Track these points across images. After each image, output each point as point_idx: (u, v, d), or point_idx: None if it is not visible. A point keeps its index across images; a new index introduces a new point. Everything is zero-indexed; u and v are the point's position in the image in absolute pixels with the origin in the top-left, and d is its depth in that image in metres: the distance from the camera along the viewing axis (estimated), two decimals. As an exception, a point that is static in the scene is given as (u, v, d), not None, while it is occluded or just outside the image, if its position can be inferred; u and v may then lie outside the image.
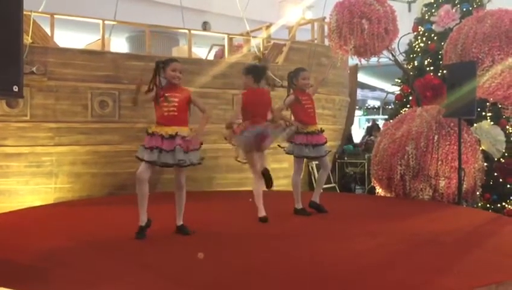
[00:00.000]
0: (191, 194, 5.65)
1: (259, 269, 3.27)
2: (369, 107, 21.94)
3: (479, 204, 6.74)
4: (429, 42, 7.85)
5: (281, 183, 7.08)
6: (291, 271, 3.21)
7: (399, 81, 8.39)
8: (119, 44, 12.04)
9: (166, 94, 4.09)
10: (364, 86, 18.08)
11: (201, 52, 9.94)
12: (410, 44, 8.27)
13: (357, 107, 14.14)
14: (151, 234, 4.32)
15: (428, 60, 7.76)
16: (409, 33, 8.23)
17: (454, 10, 7.65)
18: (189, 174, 6.95)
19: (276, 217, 5.24)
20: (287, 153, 5.22)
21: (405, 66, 8.04)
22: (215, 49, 9.96)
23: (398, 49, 7.64)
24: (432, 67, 7.67)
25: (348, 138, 10.81)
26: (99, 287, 2.92)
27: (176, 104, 4.12)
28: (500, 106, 6.68)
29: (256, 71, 4.93)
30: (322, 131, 5.25)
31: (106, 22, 6.92)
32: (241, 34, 8.80)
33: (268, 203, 5.90)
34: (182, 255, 3.64)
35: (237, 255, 3.66)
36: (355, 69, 10.05)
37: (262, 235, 4.33)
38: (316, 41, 8.74)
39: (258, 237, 4.27)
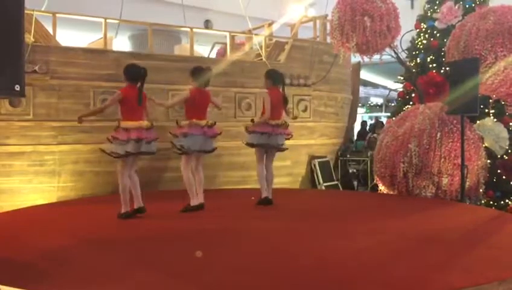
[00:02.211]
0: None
1: (261, 266, 3.27)
2: (371, 104, 21.92)
3: (482, 201, 6.71)
4: (432, 39, 7.83)
5: (283, 181, 7.08)
6: (292, 268, 3.21)
7: (402, 78, 8.38)
8: (122, 43, 12.04)
9: None
10: (366, 84, 18.05)
11: (203, 50, 9.93)
12: (412, 41, 8.24)
13: (359, 104, 14.14)
14: (153, 232, 4.33)
15: (431, 57, 7.73)
16: (411, 30, 8.21)
17: (456, 7, 7.62)
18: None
19: (278, 213, 5.25)
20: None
21: (407, 63, 8.02)
22: (217, 47, 9.96)
23: (401, 46, 7.63)
24: (434, 65, 7.65)
25: (360, 133, 10.88)
26: (102, 285, 2.93)
27: None
28: (503, 102, 6.65)
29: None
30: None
31: (108, 21, 6.92)
32: (243, 32, 8.79)
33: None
34: (184, 253, 3.64)
35: (238, 252, 3.66)
36: (357, 67, 10.03)
37: (263, 232, 4.33)
38: (318, 39, 8.72)
39: (260, 234, 4.27)
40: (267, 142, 5.56)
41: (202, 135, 5.26)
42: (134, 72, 5.03)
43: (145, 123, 4.92)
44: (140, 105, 4.94)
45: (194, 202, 5.27)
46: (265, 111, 5.55)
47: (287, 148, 5.88)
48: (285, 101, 5.70)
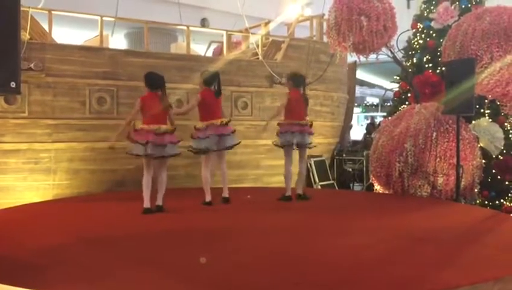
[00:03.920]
0: (190, 190, 5.69)
1: (258, 264, 3.27)
2: (367, 104, 21.97)
3: (477, 201, 6.74)
4: (428, 39, 7.84)
5: (279, 179, 7.05)
6: (291, 265, 3.21)
7: (398, 78, 8.39)
8: (118, 41, 12.00)
9: None
10: (363, 83, 18.13)
11: (199, 48, 9.92)
12: (409, 41, 8.26)
13: (355, 104, 14.20)
14: (149, 230, 4.33)
15: (427, 57, 7.75)
16: (407, 30, 8.23)
17: (453, 7, 7.64)
18: (189, 171, 7.01)
19: (274, 212, 5.25)
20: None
21: (404, 63, 8.04)
22: (213, 46, 9.95)
23: (397, 46, 7.64)
24: (430, 64, 7.67)
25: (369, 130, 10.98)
26: (97, 283, 2.92)
27: None
28: (498, 103, 6.67)
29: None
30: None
31: (104, 19, 6.90)
32: (240, 31, 8.78)
33: (267, 198, 5.92)
34: (180, 250, 3.63)
35: (235, 251, 3.65)
36: (353, 66, 10.05)
37: (260, 231, 4.33)
38: (314, 38, 8.73)
39: (257, 232, 4.27)
40: (294, 141, 5.79)
41: (219, 134, 5.44)
42: (153, 80, 5.21)
43: (164, 127, 5.05)
44: (165, 111, 5.14)
45: (208, 197, 5.53)
46: (277, 112, 5.85)
47: (315, 146, 6.19)
48: (306, 102, 5.93)
